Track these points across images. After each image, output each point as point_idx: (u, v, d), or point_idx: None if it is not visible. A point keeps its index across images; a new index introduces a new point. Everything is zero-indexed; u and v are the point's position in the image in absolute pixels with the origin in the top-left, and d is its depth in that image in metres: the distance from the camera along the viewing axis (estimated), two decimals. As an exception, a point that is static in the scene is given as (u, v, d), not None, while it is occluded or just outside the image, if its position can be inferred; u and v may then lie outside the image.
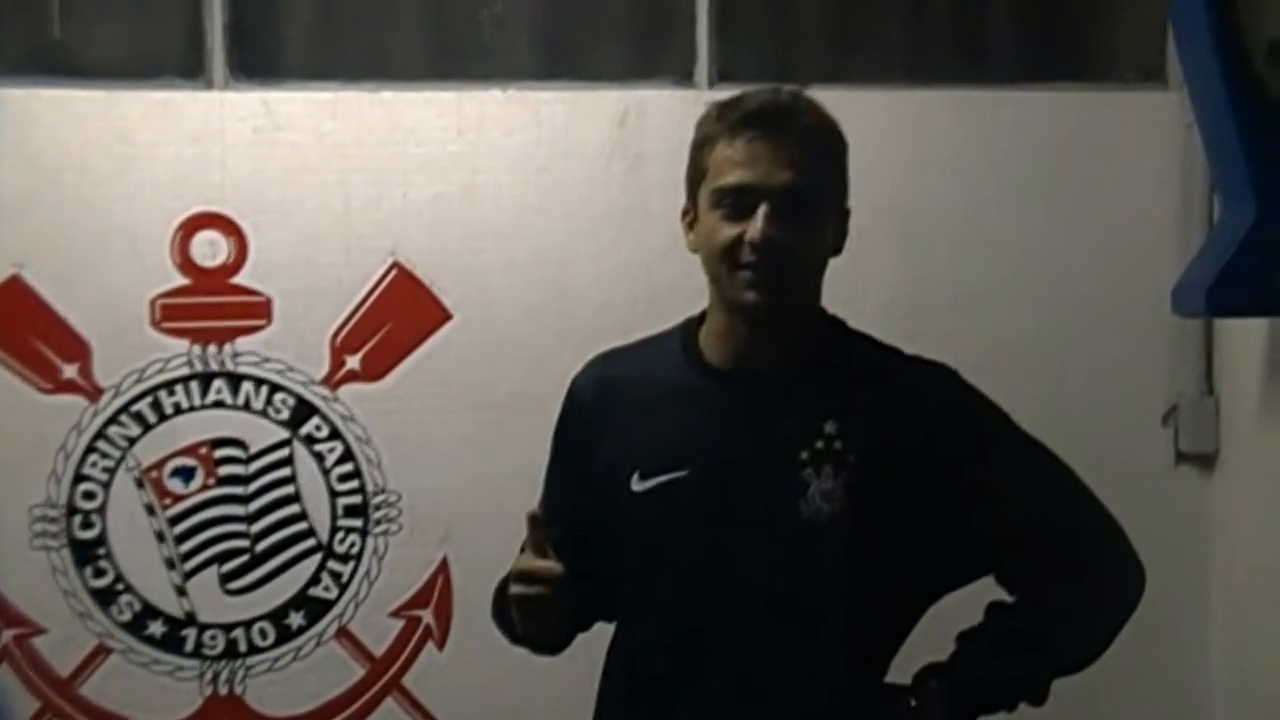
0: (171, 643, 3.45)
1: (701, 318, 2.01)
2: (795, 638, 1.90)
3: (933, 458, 1.90)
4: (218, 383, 3.45)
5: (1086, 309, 3.57)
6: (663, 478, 1.93)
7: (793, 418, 1.91)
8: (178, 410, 3.44)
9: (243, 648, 3.47)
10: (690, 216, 1.98)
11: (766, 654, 1.91)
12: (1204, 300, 1.55)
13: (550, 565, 1.88)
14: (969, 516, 1.91)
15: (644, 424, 1.98)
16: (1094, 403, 3.52)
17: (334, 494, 3.49)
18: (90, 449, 3.42)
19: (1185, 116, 3.40)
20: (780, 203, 1.87)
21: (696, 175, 1.95)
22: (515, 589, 1.90)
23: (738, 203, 1.89)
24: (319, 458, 3.49)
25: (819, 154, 1.92)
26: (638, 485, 1.94)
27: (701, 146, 1.95)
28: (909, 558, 1.90)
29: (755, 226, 1.87)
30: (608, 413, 2.02)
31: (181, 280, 3.42)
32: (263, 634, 3.48)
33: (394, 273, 3.48)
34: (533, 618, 1.92)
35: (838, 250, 1.98)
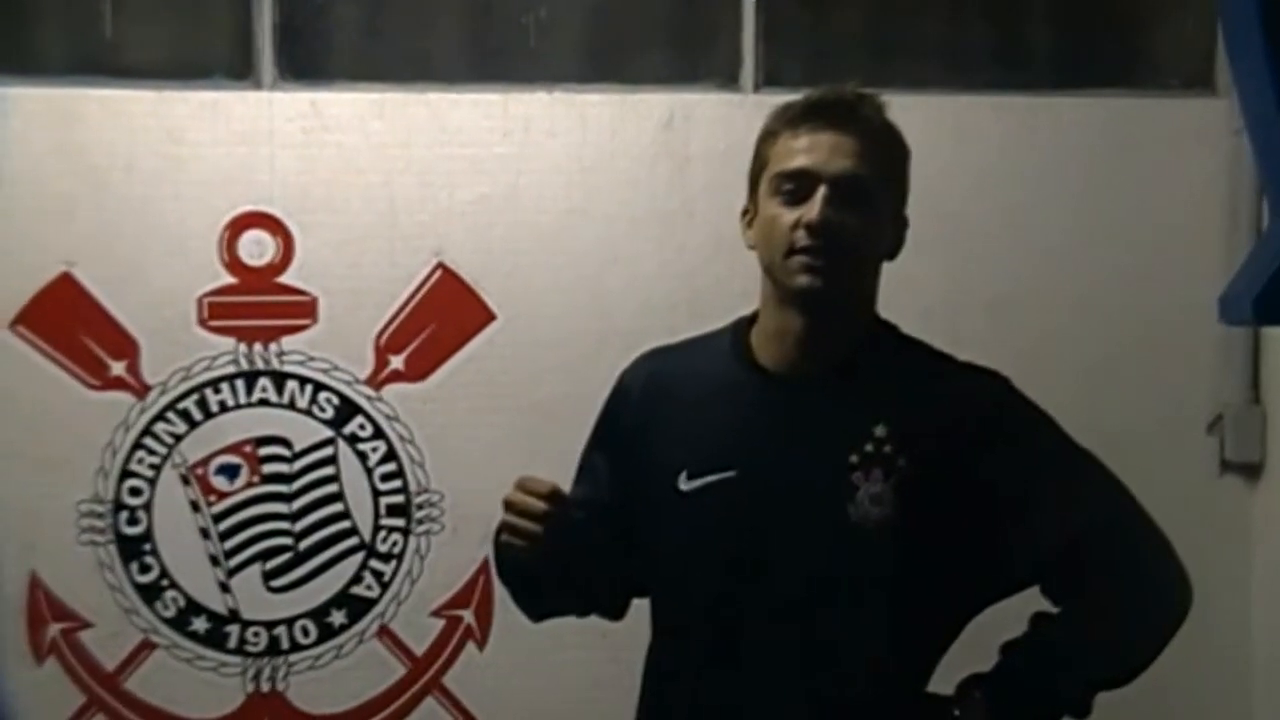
0: (215, 639, 3.48)
1: (753, 318, 2.01)
2: (838, 642, 1.90)
3: (982, 465, 1.89)
4: (263, 381, 3.48)
5: (1131, 317, 3.55)
6: (711, 478, 1.93)
7: (843, 420, 1.91)
8: (223, 408, 3.47)
9: (285, 645, 3.49)
10: (750, 215, 1.98)
11: (810, 658, 1.90)
12: (1251, 309, 1.54)
13: (547, 496, 1.89)
14: (1016, 526, 1.90)
15: (693, 423, 1.98)
16: (1139, 411, 3.50)
17: (377, 493, 3.51)
18: (137, 446, 3.45)
19: (1234, 123, 3.39)
20: (839, 189, 1.88)
21: (758, 169, 1.96)
22: (511, 495, 1.92)
23: (797, 188, 1.89)
24: (362, 457, 3.51)
25: (879, 151, 1.93)
26: (685, 485, 1.94)
27: (764, 141, 1.96)
28: (955, 565, 1.90)
29: (813, 209, 1.87)
30: (655, 410, 2.02)
31: (228, 279, 3.45)
32: (305, 631, 3.50)
33: (438, 273, 3.49)
34: (512, 543, 1.92)
35: (893, 255, 1.98)
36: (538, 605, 2.15)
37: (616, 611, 2.15)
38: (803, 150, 1.90)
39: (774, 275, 1.93)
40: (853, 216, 1.88)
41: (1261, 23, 1.38)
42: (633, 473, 2.01)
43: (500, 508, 2.10)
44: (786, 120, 1.94)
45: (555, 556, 1.93)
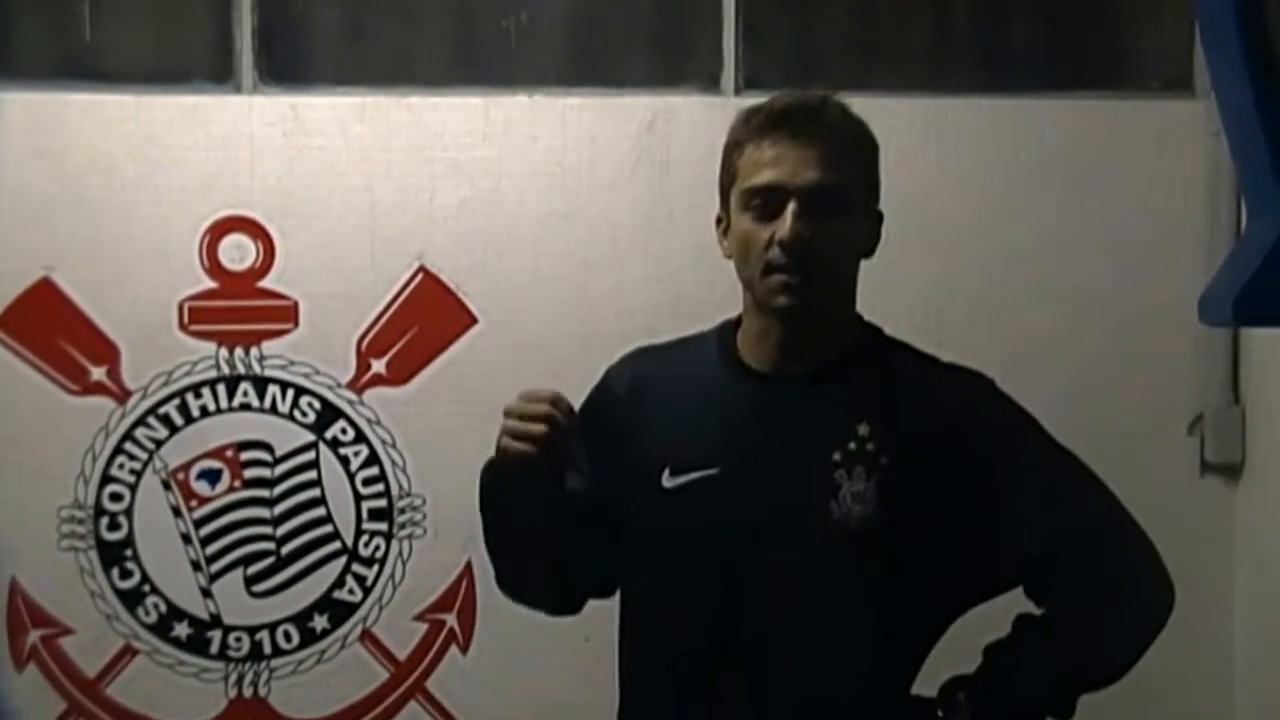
0: (197, 644, 3.47)
1: (739, 321, 2.01)
2: (822, 642, 1.90)
3: (965, 466, 1.90)
4: (244, 386, 3.47)
5: (1112, 318, 3.56)
6: (694, 475, 1.93)
7: (826, 418, 1.91)
8: (204, 413, 3.46)
9: (267, 650, 3.48)
10: (724, 224, 1.98)
11: (791, 657, 1.90)
12: (1231, 310, 1.55)
13: (551, 400, 1.87)
14: (999, 527, 1.90)
15: (677, 421, 1.98)
16: (1120, 411, 3.51)
17: (359, 497, 3.51)
18: (118, 451, 3.44)
19: (1212, 125, 3.40)
20: (809, 201, 1.88)
21: (727, 180, 1.96)
22: (512, 404, 1.89)
23: (767, 203, 1.89)
24: (344, 461, 3.50)
25: (847, 154, 1.92)
26: (668, 482, 1.94)
27: (731, 151, 1.95)
28: (939, 565, 1.90)
29: (784, 225, 1.87)
30: (641, 407, 2.02)
31: (209, 283, 3.44)
32: (287, 636, 3.49)
33: (420, 277, 3.49)
34: (513, 448, 1.88)
35: (869, 253, 1.98)
36: (510, 553, 2.07)
37: (574, 605, 2.13)
38: (769, 164, 1.89)
39: (752, 291, 1.93)
40: (825, 226, 1.88)
41: (1238, 24, 1.39)
42: (615, 468, 2.00)
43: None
44: (752, 130, 1.92)
45: (552, 472, 1.91)
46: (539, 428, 1.88)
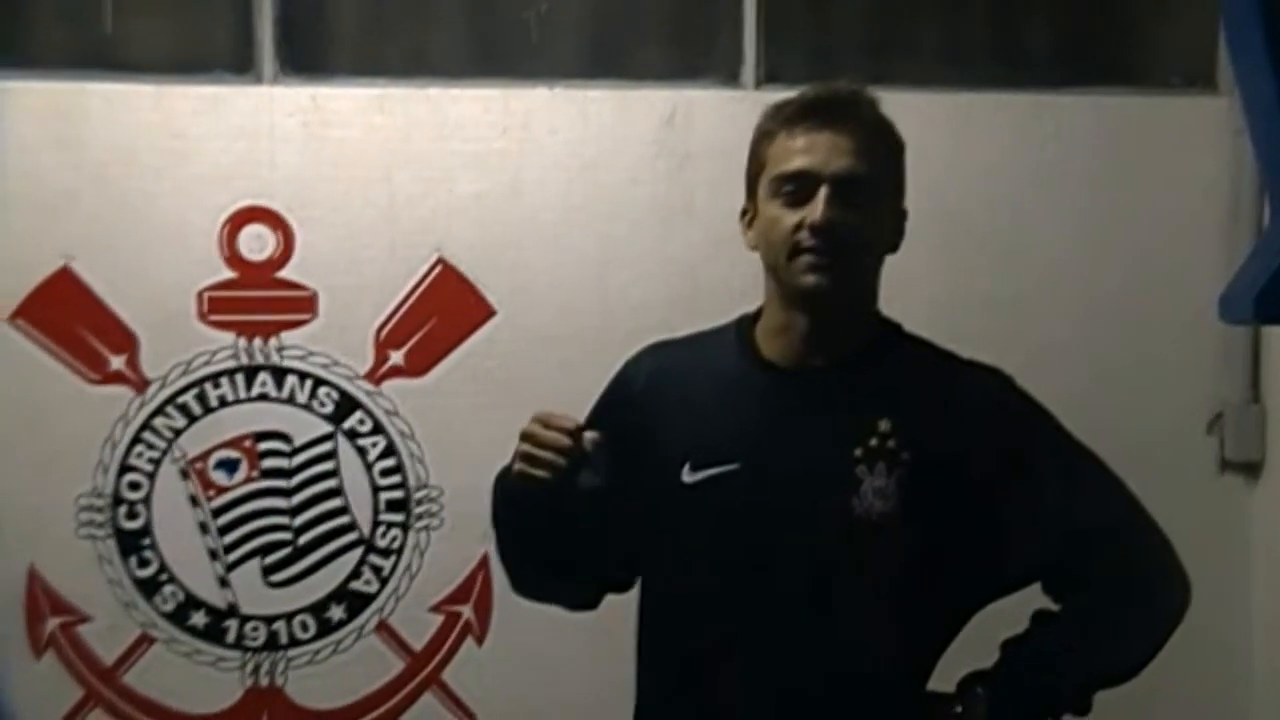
0: (214, 633, 3.48)
1: (757, 315, 2.01)
2: (841, 637, 1.90)
3: (984, 462, 1.90)
4: (263, 376, 3.48)
5: (1132, 315, 3.55)
6: (714, 470, 1.93)
7: (848, 414, 1.92)
8: (223, 403, 3.47)
9: (284, 640, 3.49)
10: (749, 215, 1.98)
11: (810, 652, 1.90)
12: (1252, 307, 1.55)
13: (572, 431, 1.89)
14: (1017, 522, 1.90)
15: (697, 416, 1.98)
16: (1139, 409, 3.50)
17: (376, 488, 3.51)
18: (136, 440, 3.45)
19: (1236, 121, 3.39)
20: (840, 188, 1.89)
21: (755, 170, 1.96)
22: (530, 428, 1.93)
23: (798, 189, 1.90)
24: (362, 452, 3.51)
25: (877, 147, 1.93)
26: (689, 477, 1.94)
27: (760, 141, 1.96)
28: (958, 561, 1.90)
29: (816, 209, 1.88)
30: (660, 401, 2.01)
31: (228, 274, 3.45)
32: (304, 626, 3.50)
33: (438, 268, 3.49)
34: (530, 473, 1.92)
35: (894, 248, 1.98)
36: (526, 560, 2.10)
37: (591, 601, 2.15)
38: (801, 151, 1.90)
39: (779, 276, 1.93)
40: (855, 214, 1.89)
41: (1263, 20, 1.39)
42: (634, 463, 2.00)
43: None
44: (782, 120, 1.94)
45: (567, 497, 1.92)
46: (553, 458, 1.89)
